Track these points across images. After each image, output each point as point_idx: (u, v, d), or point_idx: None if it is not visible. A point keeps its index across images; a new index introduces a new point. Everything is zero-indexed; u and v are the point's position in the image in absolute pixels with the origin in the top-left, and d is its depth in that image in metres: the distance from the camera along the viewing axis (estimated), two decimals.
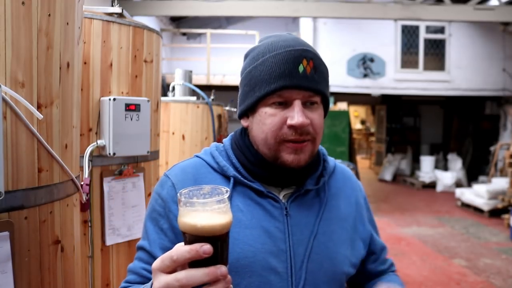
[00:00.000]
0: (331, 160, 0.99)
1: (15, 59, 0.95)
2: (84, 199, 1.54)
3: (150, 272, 0.77)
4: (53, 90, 1.06)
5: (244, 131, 0.92)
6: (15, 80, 0.96)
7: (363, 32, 9.20)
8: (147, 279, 0.81)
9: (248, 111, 0.88)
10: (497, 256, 5.20)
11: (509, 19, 7.23)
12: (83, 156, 1.67)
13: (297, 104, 0.81)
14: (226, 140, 0.95)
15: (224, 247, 0.62)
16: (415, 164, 11.25)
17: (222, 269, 0.60)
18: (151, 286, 0.68)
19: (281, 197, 0.88)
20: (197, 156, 0.93)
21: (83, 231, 1.68)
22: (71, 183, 1.15)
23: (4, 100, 0.92)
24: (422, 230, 6.35)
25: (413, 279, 4.41)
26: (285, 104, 0.82)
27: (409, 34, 9.60)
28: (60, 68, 1.07)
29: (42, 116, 1.00)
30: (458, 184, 9.74)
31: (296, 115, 0.80)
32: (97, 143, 1.73)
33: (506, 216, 6.44)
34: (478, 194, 7.51)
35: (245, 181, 0.87)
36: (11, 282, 0.94)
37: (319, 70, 0.84)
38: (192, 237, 0.61)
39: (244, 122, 0.90)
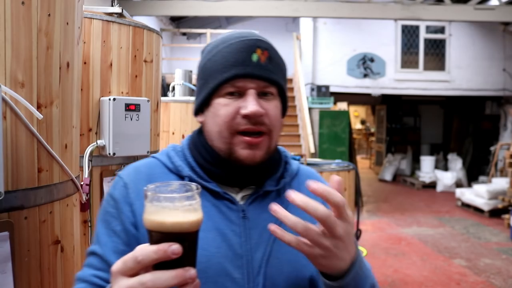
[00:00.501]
0: (294, 163, 0.94)
1: (15, 59, 0.95)
2: (84, 199, 1.54)
3: (102, 279, 0.74)
4: (53, 90, 1.06)
5: (201, 130, 0.87)
6: (15, 80, 0.95)
7: (363, 32, 9.20)
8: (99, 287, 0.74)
9: (203, 106, 0.83)
10: (497, 256, 5.20)
11: (509, 19, 7.23)
12: (83, 156, 1.67)
13: (251, 93, 0.78)
14: (184, 140, 0.91)
15: (194, 247, 0.58)
16: (415, 164, 11.25)
17: (191, 271, 0.56)
18: None
19: (238, 198, 0.83)
20: (153, 157, 0.88)
21: (83, 231, 1.68)
22: (71, 183, 1.15)
23: (4, 100, 0.92)
24: (422, 230, 6.34)
25: (413, 279, 4.41)
26: (239, 94, 0.79)
27: (409, 34, 9.60)
28: (60, 68, 1.07)
29: (42, 116, 1.00)
30: (458, 184, 9.73)
31: (249, 104, 0.77)
32: (97, 143, 1.73)
33: (506, 216, 6.44)
34: (478, 194, 7.51)
35: (201, 181, 0.81)
36: (11, 282, 0.94)
37: (275, 61, 0.82)
38: (159, 235, 0.56)
39: (199, 118, 0.86)
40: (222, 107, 0.79)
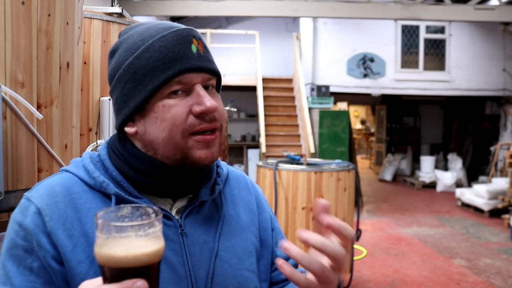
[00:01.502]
0: (224, 165, 0.86)
1: (15, 59, 0.95)
2: None
3: None
4: (53, 90, 1.06)
5: (123, 138, 0.75)
6: (15, 80, 0.95)
7: (363, 32, 9.20)
8: None
9: (136, 113, 0.71)
10: (497, 256, 5.20)
11: (509, 19, 7.23)
12: None
13: (200, 88, 0.70)
14: (101, 149, 0.77)
15: (156, 280, 0.53)
16: (415, 164, 11.26)
17: None
18: None
19: (173, 212, 0.74)
20: (66, 171, 0.74)
21: None
22: None
23: (4, 100, 0.92)
24: (422, 230, 6.35)
25: (413, 279, 4.41)
26: (185, 92, 0.70)
27: (409, 34, 9.60)
28: (60, 68, 1.07)
29: (42, 116, 1.00)
30: (458, 184, 9.74)
31: (204, 100, 0.68)
32: (97, 143, 1.73)
33: (506, 216, 6.44)
34: (478, 194, 7.51)
35: (130, 198, 0.70)
36: None
37: (208, 50, 0.74)
38: (115, 271, 0.49)
39: (129, 129, 0.72)
40: (169, 109, 0.69)
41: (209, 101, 0.69)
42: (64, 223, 0.66)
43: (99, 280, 0.52)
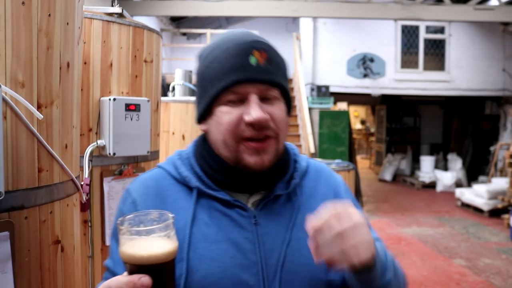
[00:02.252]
0: (303, 159, 0.91)
1: (15, 59, 0.95)
2: (84, 199, 1.54)
3: None
4: (53, 90, 1.06)
5: (205, 137, 0.85)
6: (15, 80, 0.96)
7: (363, 32, 9.20)
8: None
9: (205, 114, 0.81)
10: (497, 256, 5.20)
11: (509, 19, 7.23)
12: (83, 156, 1.67)
13: (253, 98, 0.75)
14: (190, 147, 0.88)
15: (167, 277, 0.59)
16: (415, 164, 11.25)
17: None
18: None
19: (249, 204, 0.82)
20: (160, 167, 0.87)
21: (83, 231, 1.68)
22: (71, 183, 1.15)
23: (4, 100, 0.92)
24: (422, 230, 6.35)
25: (413, 279, 4.41)
26: (241, 101, 0.76)
27: (409, 34, 9.60)
28: (60, 68, 1.07)
29: (42, 116, 1.00)
30: (458, 184, 9.74)
31: (252, 111, 0.74)
32: (97, 143, 1.73)
33: (506, 216, 6.44)
34: (478, 194, 7.51)
35: (210, 191, 0.80)
36: (11, 282, 0.94)
37: (274, 61, 0.78)
38: (133, 267, 0.57)
39: (202, 126, 0.84)
40: (224, 115, 0.77)
41: (256, 112, 0.74)
42: None
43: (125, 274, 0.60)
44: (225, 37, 0.80)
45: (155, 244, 0.57)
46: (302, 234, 0.80)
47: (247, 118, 0.74)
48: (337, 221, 0.66)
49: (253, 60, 0.75)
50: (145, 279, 0.56)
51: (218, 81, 0.76)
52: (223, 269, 0.76)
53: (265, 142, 0.77)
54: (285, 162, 0.85)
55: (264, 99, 0.77)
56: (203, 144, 0.84)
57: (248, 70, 0.75)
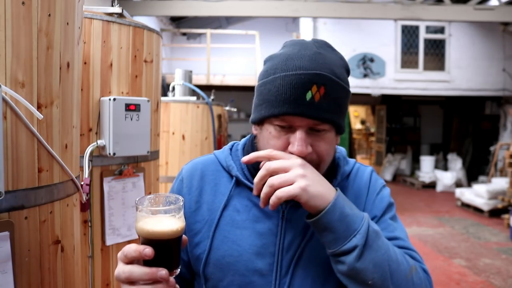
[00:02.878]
0: (350, 163, 0.95)
1: (15, 59, 0.95)
2: (84, 199, 1.54)
3: None
4: (53, 90, 1.06)
5: (255, 136, 0.92)
6: (15, 80, 0.96)
7: (363, 32, 9.20)
8: None
9: (257, 122, 0.86)
10: (497, 256, 5.20)
11: (509, 19, 7.23)
12: (83, 156, 1.67)
13: (299, 132, 0.78)
14: (242, 140, 0.97)
15: (171, 252, 0.68)
16: (415, 164, 11.25)
17: (162, 272, 0.66)
18: None
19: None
20: (214, 154, 0.97)
21: (83, 231, 1.68)
22: (71, 183, 1.15)
23: (4, 100, 0.92)
24: (422, 230, 6.35)
25: None
26: (289, 128, 0.80)
27: (409, 34, 9.60)
28: (60, 68, 1.07)
29: (42, 116, 1.00)
30: (458, 184, 9.74)
31: (296, 144, 0.78)
32: (97, 143, 1.73)
33: (506, 216, 6.44)
34: (478, 194, 7.51)
35: (247, 182, 0.88)
36: (11, 282, 0.94)
37: (332, 96, 0.78)
38: (143, 239, 0.68)
39: (254, 130, 0.90)
40: (272, 138, 0.81)
41: (300, 146, 0.78)
42: (194, 191, 0.91)
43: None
44: (291, 57, 0.79)
45: (162, 223, 0.66)
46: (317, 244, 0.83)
47: (291, 148, 0.79)
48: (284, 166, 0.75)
49: (309, 95, 0.76)
50: (148, 250, 0.65)
51: (272, 106, 0.79)
52: (240, 253, 0.83)
53: None
54: (328, 171, 0.88)
55: (313, 130, 0.80)
56: (252, 143, 0.92)
57: (301, 105, 0.77)
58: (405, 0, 7.10)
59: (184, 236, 0.72)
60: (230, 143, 0.98)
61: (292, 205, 0.85)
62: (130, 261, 0.68)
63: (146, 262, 0.67)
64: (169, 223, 0.67)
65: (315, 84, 0.76)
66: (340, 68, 0.82)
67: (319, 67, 0.78)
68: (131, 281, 0.67)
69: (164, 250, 0.67)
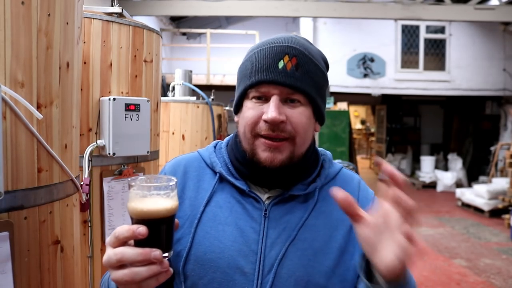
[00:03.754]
0: (335, 167, 0.93)
1: (14, 59, 0.95)
2: (84, 199, 1.54)
3: None
4: (53, 90, 1.05)
5: (237, 134, 0.92)
6: (14, 80, 0.95)
7: (363, 32, 9.20)
8: None
9: (238, 107, 0.88)
10: (497, 256, 5.19)
11: (510, 19, 7.22)
12: (83, 156, 1.67)
13: (273, 99, 0.80)
14: (227, 138, 0.97)
15: (165, 232, 0.67)
16: (415, 164, 11.25)
17: (156, 252, 0.64)
18: None
19: (264, 198, 0.86)
20: (198, 152, 0.97)
21: (83, 231, 1.68)
22: (70, 183, 1.15)
23: (4, 100, 0.92)
24: (423, 230, 6.34)
25: None
26: (265, 99, 0.82)
27: (409, 34, 9.60)
28: (59, 68, 1.07)
29: (41, 116, 1.00)
30: (459, 184, 9.73)
31: (269, 110, 0.79)
32: (97, 143, 1.72)
33: (506, 216, 6.44)
34: (478, 194, 7.51)
35: (230, 178, 0.87)
36: (11, 282, 0.93)
37: (305, 68, 0.81)
38: (136, 219, 0.66)
39: (235, 118, 0.91)
40: (248, 110, 0.83)
41: (273, 112, 0.78)
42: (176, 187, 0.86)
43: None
44: (267, 39, 0.85)
45: (155, 201, 0.65)
46: (310, 235, 0.83)
47: (264, 116, 0.80)
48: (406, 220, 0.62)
49: (281, 64, 0.80)
50: (142, 228, 0.63)
51: (247, 79, 0.82)
52: (222, 250, 0.82)
53: (279, 142, 0.81)
54: (308, 165, 0.88)
55: (287, 101, 0.81)
56: (235, 136, 0.92)
57: (273, 72, 0.80)
58: (405, 0, 7.10)
59: (176, 219, 0.70)
60: (213, 142, 0.98)
61: (274, 203, 0.85)
62: (121, 243, 0.65)
63: (138, 244, 0.65)
64: (162, 201, 0.66)
65: (287, 55, 0.80)
66: (315, 53, 0.86)
67: (291, 42, 0.83)
68: (122, 264, 0.64)
69: (158, 230, 0.65)
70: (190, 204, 0.88)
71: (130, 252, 0.64)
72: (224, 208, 0.86)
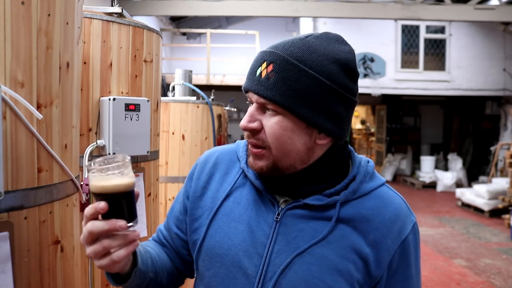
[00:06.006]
0: (373, 182, 0.83)
1: (14, 59, 0.95)
2: (84, 199, 1.54)
3: (161, 235, 0.99)
4: (53, 90, 1.05)
5: None
6: (14, 80, 0.95)
7: (363, 32, 9.20)
8: (159, 239, 0.99)
9: None
10: (497, 256, 5.19)
11: (510, 18, 7.22)
12: (83, 156, 1.67)
13: (251, 107, 0.80)
14: None
15: (126, 205, 0.73)
16: (415, 164, 11.25)
17: (120, 222, 0.70)
18: None
19: (281, 202, 0.83)
20: (236, 143, 0.99)
21: (83, 231, 1.68)
22: (70, 183, 1.15)
23: (4, 100, 0.92)
24: (423, 230, 6.34)
25: None
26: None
27: (409, 34, 9.59)
28: (59, 68, 1.07)
29: (41, 116, 1.00)
30: (459, 184, 9.73)
31: (244, 117, 0.80)
32: (96, 143, 1.72)
33: (506, 216, 6.44)
34: (478, 194, 7.51)
35: (250, 175, 0.87)
36: (11, 282, 0.93)
37: (281, 75, 0.74)
38: (97, 197, 0.72)
39: None
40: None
41: (243, 119, 0.80)
42: (204, 177, 0.93)
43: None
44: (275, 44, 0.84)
45: (112, 178, 0.72)
46: (321, 252, 0.77)
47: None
48: None
49: (258, 71, 0.78)
50: (102, 204, 0.70)
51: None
52: (229, 247, 0.82)
53: (257, 149, 0.80)
54: (333, 176, 0.82)
55: (266, 110, 0.79)
56: None
57: (250, 80, 0.80)
58: (405, 0, 7.10)
59: (136, 190, 0.75)
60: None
61: (288, 209, 0.81)
62: (90, 220, 0.72)
63: (104, 218, 0.71)
64: (118, 178, 0.72)
65: (265, 61, 0.78)
66: (319, 57, 0.76)
67: (280, 47, 0.78)
68: (93, 238, 0.72)
69: (117, 203, 0.72)
70: (212, 196, 0.89)
71: (97, 224, 0.70)
72: (241, 205, 0.85)
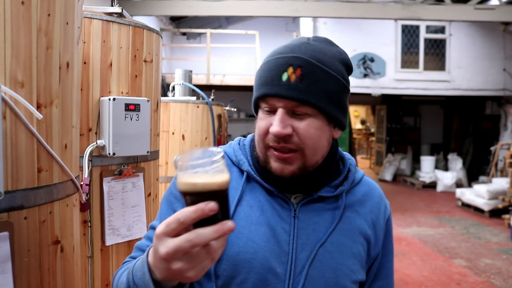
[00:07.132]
0: (358, 173, 0.95)
1: (14, 59, 0.95)
2: (84, 199, 1.54)
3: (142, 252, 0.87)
4: (53, 90, 1.05)
5: None
6: (14, 80, 0.95)
7: (363, 32, 9.20)
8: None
9: (256, 111, 0.89)
10: (497, 256, 5.19)
11: (510, 18, 7.22)
12: (83, 156, 1.67)
13: (279, 112, 0.79)
14: (249, 136, 0.96)
15: (225, 204, 0.65)
16: (416, 164, 11.25)
17: (228, 224, 0.61)
18: (148, 254, 0.67)
19: (292, 198, 0.87)
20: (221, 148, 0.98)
21: (82, 231, 1.68)
22: (70, 183, 1.15)
23: (3, 100, 0.92)
24: (423, 230, 6.34)
25: (413, 279, 4.41)
26: (274, 112, 0.81)
27: (409, 34, 9.59)
28: (59, 68, 1.07)
29: (41, 116, 1.00)
30: (459, 184, 9.73)
31: (274, 123, 0.79)
32: (96, 143, 1.72)
33: (506, 216, 6.44)
34: (478, 194, 7.50)
35: (258, 178, 0.87)
36: (11, 282, 0.93)
37: (311, 78, 0.78)
38: (194, 197, 0.62)
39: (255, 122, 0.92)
40: (260, 120, 0.84)
41: (277, 126, 0.78)
42: None
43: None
44: (279, 48, 0.84)
45: (213, 174, 0.62)
46: (338, 240, 0.85)
47: (270, 129, 0.80)
48: None
49: (285, 76, 0.79)
50: (212, 204, 0.59)
51: (257, 90, 0.83)
52: (256, 250, 0.82)
53: (288, 153, 0.81)
54: (329, 170, 0.89)
55: (294, 113, 0.80)
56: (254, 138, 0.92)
57: (276, 85, 0.79)
58: (406, 0, 7.10)
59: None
60: (236, 139, 0.97)
61: (303, 204, 0.86)
62: (184, 228, 0.60)
63: (200, 224, 0.60)
64: (220, 173, 0.63)
65: (291, 66, 0.79)
66: (331, 58, 0.82)
67: (298, 51, 0.80)
68: (202, 245, 0.61)
69: (221, 202, 0.63)
70: None
71: (206, 232, 0.59)
72: (255, 207, 0.86)
